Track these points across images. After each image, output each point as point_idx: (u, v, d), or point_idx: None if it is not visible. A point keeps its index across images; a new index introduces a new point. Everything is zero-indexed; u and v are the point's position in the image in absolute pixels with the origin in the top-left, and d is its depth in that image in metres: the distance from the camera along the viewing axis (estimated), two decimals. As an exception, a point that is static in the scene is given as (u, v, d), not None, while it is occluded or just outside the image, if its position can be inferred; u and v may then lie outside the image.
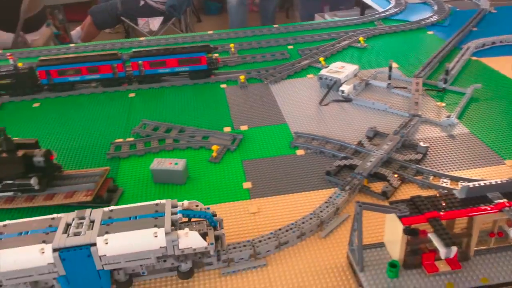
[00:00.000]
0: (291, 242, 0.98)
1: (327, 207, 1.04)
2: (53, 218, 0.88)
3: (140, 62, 1.73)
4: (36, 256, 0.81)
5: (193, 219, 0.95)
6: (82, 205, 1.11)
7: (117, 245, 0.83)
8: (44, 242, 0.82)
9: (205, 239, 0.88)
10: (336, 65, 1.70)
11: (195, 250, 0.86)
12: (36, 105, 1.69)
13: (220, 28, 2.43)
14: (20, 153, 1.06)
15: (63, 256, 0.81)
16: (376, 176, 1.16)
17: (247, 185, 1.20)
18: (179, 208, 0.91)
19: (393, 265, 0.83)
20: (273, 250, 0.97)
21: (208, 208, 0.95)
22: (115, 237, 0.83)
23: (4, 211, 1.13)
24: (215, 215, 0.95)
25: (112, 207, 0.90)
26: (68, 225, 0.86)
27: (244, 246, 0.95)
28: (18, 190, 1.10)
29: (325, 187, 1.16)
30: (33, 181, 1.07)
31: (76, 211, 0.89)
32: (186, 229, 0.86)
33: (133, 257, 0.85)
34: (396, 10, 2.43)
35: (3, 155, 1.05)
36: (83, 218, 0.88)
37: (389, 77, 1.61)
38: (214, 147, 1.32)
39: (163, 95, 1.72)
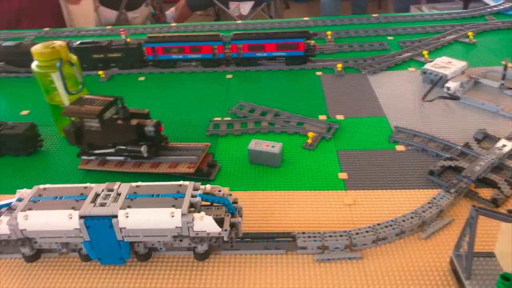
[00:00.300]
0: (389, 239, 0.96)
1: (430, 207, 0.99)
2: (85, 187, 0.96)
3: (239, 45, 1.77)
4: (64, 220, 0.88)
5: (215, 204, 0.95)
6: (183, 176, 1.17)
7: (136, 220, 0.88)
8: (73, 208, 0.90)
9: (222, 224, 0.89)
10: (442, 60, 1.61)
11: (209, 234, 0.89)
12: (141, 78, 1.79)
13: (308, 16, 2.39)
14: (134, 122, 1.13)
15: (87, 224, 0.88)
16: (484, 182, 1.09)
17: (342, 175, 1.18)
18: (200, 192, 0.93)
19: (506, 277, 0.77)
20: (369, 244, 0.95)
21: (230, 195, 0.96)
22: (136, 212, 0.88)
23: (114, 174, 1.22)
24: (235, 202, 0.95)
25: (139, 183, 0.96)
26: (97, 195, 0.93)
27: (341, 236, 0.95)
28: (128, 156, 1.18)
29: (427, 187, 1.11)
30: (143, 149, 1.14)
31: (106, 183, 0.96)
32: (202, 213, 0.88)
33: (151, 233, 0.90)
34: (511, 4, 2.24)
35: (119, 122, 1.13)
36: (112, 190, 0.94)
37: (503, 77, 1.49)
38: (310, 134, 1.31)
39: (259, 79, 1.74)
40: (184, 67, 1.83)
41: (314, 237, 0.95)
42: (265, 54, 1.77)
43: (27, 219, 0.89)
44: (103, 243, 0.91)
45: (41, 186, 0.97)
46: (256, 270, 0.93)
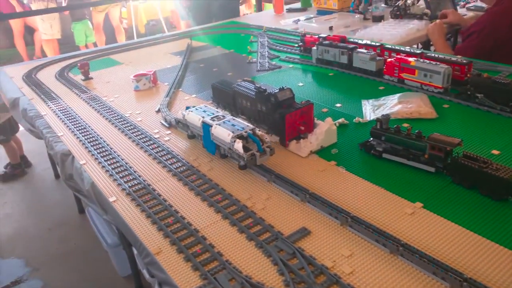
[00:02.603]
0: None
1: None
2: (217, 111, 1.69)
3: None
4: (197, 121, 1.67)
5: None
6: None
7: (216, 131, 1.55)
8: (202, 117, 1.64)
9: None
10: None
11: (239, 154, 1.48)
12: None
13: None
14: None
15: (203, 125, 1.63)
16: None
17: None
18: (250, 132, 1.49)
19: None
20: None
21: (270, 144, 1.53)
22: (218, 127, 1.54)
23: None
24: (270, 148, 1.52)
25: (236, 119, 1.62)
26: (217, 116, 1.64)
27: None
28: None
29: None
30: None
31: (228, 115, 1.66)
32: (239, 141, 1.46)
33: (220, 142, 1.56)
34: None
35: None
36: (224, 117, 1.62)
37: None
38: None
39: None
40: None
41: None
42: None
43: (188, 114, 1.73)
44: (207, 139, 1.64)
45: (206, 104, 1.84)
46: None
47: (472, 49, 2.71)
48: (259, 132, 1.52)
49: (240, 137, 1.48)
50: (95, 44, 7.88)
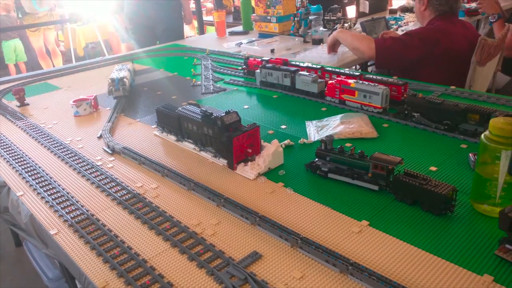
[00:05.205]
0: None
1: None
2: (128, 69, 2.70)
3: None
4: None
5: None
6: None
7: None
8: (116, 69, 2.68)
9: None
10: None
11: None
12: None
13: None
14: None
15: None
16: None
17: None
18: (118, 78, 2.47)
19: None
20: None
21: (127, 88, 2.44)
22: (113, 74, 2.57)
23: (539, 280, 1.08)
24: (124, 89, 2.41)
25: None
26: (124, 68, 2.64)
27: None
28: None
29: None
30: None
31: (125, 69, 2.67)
32: (109, 80, 2.48)
33: None
34: None
35: None
36: (124, 69, 2.62)
37: None
38: None
39: None
40: None
41: None
42: None
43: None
44: None
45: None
46: None
47: (397, 41, 2.80)
48: (125, 80, 2.49)
49: (112, 79, 2.48)
50: (29, 66, 7.59)
